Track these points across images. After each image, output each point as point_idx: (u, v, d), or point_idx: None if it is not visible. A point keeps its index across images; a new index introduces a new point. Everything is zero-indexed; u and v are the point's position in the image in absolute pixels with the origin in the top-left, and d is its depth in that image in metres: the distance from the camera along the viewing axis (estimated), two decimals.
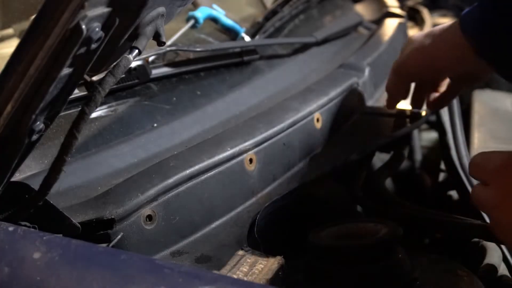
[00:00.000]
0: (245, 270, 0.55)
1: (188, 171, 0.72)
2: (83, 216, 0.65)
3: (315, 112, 0.92)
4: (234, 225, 0.74)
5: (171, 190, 0.70)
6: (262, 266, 0.56)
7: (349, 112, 1.00)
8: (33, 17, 0.51)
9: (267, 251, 0.62)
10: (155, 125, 0.86)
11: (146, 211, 0.67)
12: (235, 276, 0.54)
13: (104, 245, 0.63)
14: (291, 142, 0.86)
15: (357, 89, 1.02)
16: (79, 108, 0.57)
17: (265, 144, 0.82)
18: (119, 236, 0.64)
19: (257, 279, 0.54)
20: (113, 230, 0.64)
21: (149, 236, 0.67)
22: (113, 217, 0.64)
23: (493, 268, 0.71)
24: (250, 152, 0.80)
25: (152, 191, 0.68)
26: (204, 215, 0.73)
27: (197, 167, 0.73)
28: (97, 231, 0.64)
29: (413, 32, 1.51)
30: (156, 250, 0.68)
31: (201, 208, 0.73)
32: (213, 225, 0.74)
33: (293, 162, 0.86)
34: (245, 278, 0.54)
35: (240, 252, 0.57)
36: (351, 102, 1.01)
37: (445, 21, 1.62)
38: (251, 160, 0.80)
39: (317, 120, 0.92)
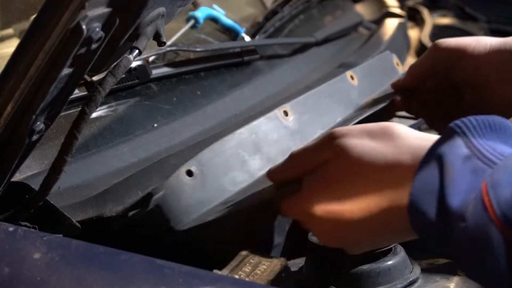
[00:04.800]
0: (247, 270, 0.55)
1: None
2: (83, 214, 0.65)
3: (347, 71, 0.91)
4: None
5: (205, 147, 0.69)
6: (265, 267, 0.56)
7: (387, 72, 0.98)
8: (33, 17, 0.51)
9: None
10: (155, 125, 0.86)
11: (185, 166, 0.66)
12: (236, 276, 0.54)
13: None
14: (326, 97, 0.85)
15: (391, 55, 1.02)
16: (79, 108, 0.57)
17: (299, 98, 0.81)
18: (162, 193, 0.63)
19: (259, 279, 0.54)
20: (155, 188, 0.63)
21: (192, 190, 0.65)
22: (113, 214, 0.64)
23: None
24: (283, 105, 0.78)
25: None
26: (245, 168, 0.71)
27: None
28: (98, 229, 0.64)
29: (413, 32, 1.51)
30: (202, 205, 0.66)
31: (238, 161, 0.71)
32: (257, 175, 0.71)
33: (334, 115, 0.84)
34: (247, 279, 0.54)
35: (244, 253, 0.57)
36: (386, 63, 0.99)
37: (445, 21, 1.62)
38: (286, 113, 0.78)
39: (351, 77, 0.90)
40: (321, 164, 0.58)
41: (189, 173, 0.66)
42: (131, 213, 0.63)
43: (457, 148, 0.48)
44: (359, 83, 0.91)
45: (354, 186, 0.55)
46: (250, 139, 0.73)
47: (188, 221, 0.63)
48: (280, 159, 0.71)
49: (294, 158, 0.62)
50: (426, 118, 0.87)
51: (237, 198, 0.66)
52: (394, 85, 0.86)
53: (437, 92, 0.83)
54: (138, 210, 0.63)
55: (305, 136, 0.79)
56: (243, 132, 0.72)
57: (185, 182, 0.65)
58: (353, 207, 0.54)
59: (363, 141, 0.55)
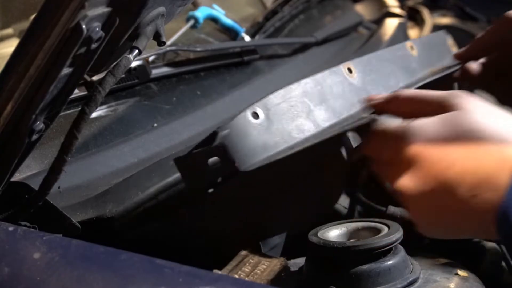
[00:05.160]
0: (247, 270, 0.55)
1: None
2: (83, 215, 0.65)
3: (406, 41, 0.90)
4: (340, 129, 0.70)
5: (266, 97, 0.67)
6: (264, 266, 0.56)
7: (444, 50, 0.96)
8: (33, 17, 0.51)
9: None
10: (155, 125, 0.86)
11: (250, 109, 0.64)
12: (236, 276, 0.54)
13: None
14: (389, 61, 0.84)
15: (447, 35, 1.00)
16: (79, 108, 0.57)
17: (363, 57, 0.80)
18: (227, 131, 0.60)
19: (258, 279, 0.54)
20: (220, 127, 0.60)
21: (257, 132, 0.63)
22: (113, 215, 0.64)
23: (493, 267, 0.71)
24: (347, 62, 0.77)
25: (151, 190, 0.68)
26: (311, 117, 0.69)
27: None
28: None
29: (413, 32, 1.51)
30: (267, 148, 0.63)
31: (304, 109, 0.69)
32: (323, 126, 0.69)
33: (397, 80, 0.83)
34: (247, 278, 0.54)
35: (243, 253, 0.57)
36: (442, 42, 0.98)
37: (445, 21, 1.62)
38: (350, 70, 0.77)
39: (411, 47, 0.89)
40: (434, 113, 0.55)
41: (255, 115, 0.63)
42: (195, 151, 0.60)
43: None
44: (418, 55, 0.89)
45: (464, 141, 0.52)
46: (315, 89, 0.70)
47: (253, 163, 0.60)
48: (345, 113, 0.71)
49: (406, 97, 0.60)
50: (494, 92, 0.85)
51: (304, 145, 0.63)
52: (458, 55, 0.84)
53: (504, 65, 0.81)
54: (202, 148, 0.60)
55: (372, 90, 0.77)
56: (308, 82, 0.70)
57: (251, 123, 0.62)
58: (454, 159, 0.51)
59: (488, 105, 0.54)
